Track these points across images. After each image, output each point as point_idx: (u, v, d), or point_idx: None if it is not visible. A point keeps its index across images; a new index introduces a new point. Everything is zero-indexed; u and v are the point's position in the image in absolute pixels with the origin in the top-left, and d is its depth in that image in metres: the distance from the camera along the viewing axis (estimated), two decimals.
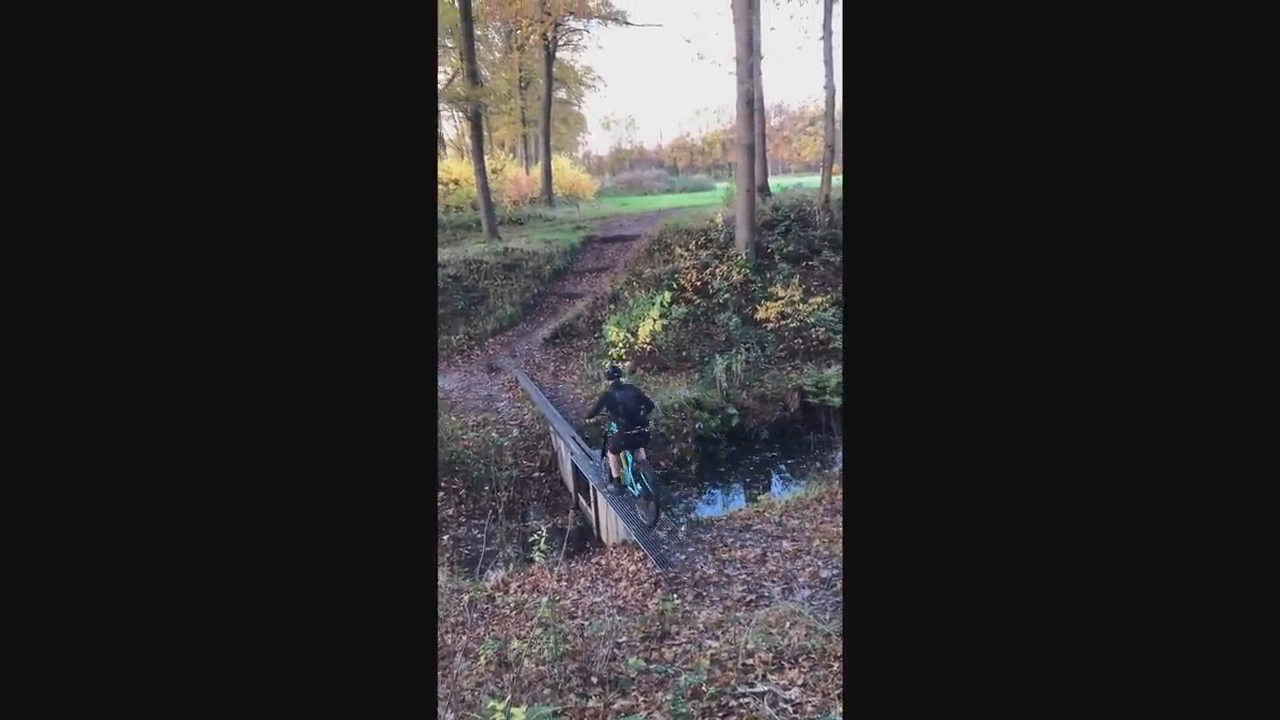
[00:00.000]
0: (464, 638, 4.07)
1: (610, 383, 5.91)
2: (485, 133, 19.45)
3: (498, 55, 26.94)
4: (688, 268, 12.24)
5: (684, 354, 10.64)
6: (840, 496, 6.04)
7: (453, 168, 21.34)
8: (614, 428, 5.69)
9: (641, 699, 3.10)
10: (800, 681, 3.07)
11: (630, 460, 5.65)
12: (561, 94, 29.97)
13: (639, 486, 5.66)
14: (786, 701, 2.92)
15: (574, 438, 7.42)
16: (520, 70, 24.64)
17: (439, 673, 3.58)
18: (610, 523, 6.37)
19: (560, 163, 25.75)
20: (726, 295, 11.62)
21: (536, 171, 23.16)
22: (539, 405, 8.91)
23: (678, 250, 12.90)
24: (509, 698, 3.07)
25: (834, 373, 9.60)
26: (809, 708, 2.85)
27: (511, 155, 27.67)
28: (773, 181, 18.24)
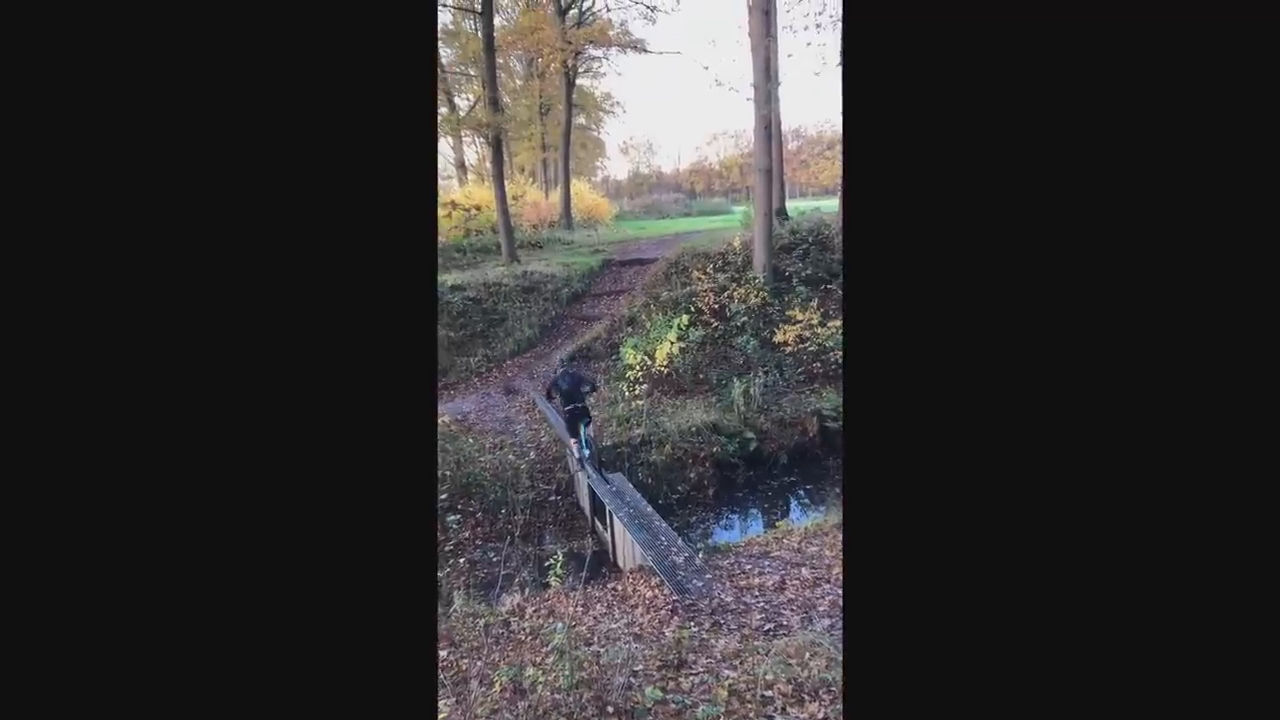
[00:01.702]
0: (479, 663, 4.04)
1: (560, 370, 8.00)
2: (506, 158, 19.81)
3: (519, 83, 27.52)
4: (705, 291, 12.26)
5: (701, 377, 10.61)
6: None
7: (474, 193, 21.69)
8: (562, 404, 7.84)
9: None
10: (821, 715, 2.99)
11: (583, 427, 7.62)
12: (581, 120, 30.47)
13: (587, 450, 7.62)
14: None
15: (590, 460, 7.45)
16: (541, 97, 25.11)
17: (454, 699, 3.55)
18: (627, 547, 6.31)
19: (579, 187, 26.10)
20: (744, 318, 11.61)
21: (556, 196, 23.48)
22: (556, 428, 8.91)
23: (695, 273, 12.93)
24: None
25: None
26: None
27: (532, 180, 28.12)
28: (790, 205, 18.29)
